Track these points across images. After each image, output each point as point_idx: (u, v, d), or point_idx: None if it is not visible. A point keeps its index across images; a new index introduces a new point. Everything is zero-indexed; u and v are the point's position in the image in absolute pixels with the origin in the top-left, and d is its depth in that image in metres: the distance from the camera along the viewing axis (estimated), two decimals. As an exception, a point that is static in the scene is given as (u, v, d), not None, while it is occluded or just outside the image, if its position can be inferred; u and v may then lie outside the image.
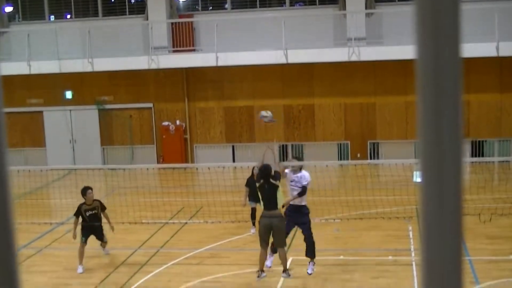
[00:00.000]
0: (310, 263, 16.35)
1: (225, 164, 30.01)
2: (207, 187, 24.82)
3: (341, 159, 32.71)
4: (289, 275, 15.68)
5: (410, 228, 20.37)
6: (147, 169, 29.46)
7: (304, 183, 16.16)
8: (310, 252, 16.31)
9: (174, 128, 33.75)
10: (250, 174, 20.25)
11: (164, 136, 33.98)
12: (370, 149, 32.87)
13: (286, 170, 16.62)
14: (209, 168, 24.76)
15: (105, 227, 18.55)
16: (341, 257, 18.21)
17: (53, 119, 34.79)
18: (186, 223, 22.29)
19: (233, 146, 34.14)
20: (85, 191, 18.22)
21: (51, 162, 33.82)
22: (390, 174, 24.44)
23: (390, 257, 17.94)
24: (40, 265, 18.66)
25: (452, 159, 1.44)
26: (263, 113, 17.18)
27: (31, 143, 34.87)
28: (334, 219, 21.58)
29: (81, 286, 16.90)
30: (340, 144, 33.14)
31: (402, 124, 32.25)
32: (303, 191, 16.07)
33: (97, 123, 34.65)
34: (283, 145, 33.52)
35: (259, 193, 15.50)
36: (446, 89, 1.41)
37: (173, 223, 22.36)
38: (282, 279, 16.29)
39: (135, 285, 16.71)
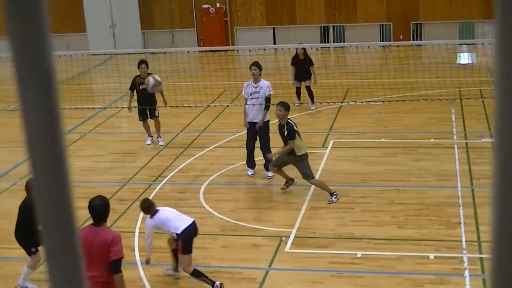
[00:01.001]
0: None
1: (266, 46, 29.79)
2: (248, 70, 24.74)
3: (383, 41, 32.27)
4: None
5: (453, 110, 20.22)
6: (188, 52, 29.40)
7: (268, 93, 15.78)
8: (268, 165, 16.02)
9: (214, 10, 33.43)
10: (295, 53, 21.55)
11: (204, 19, 33.71)
12: (413, 30, 32.33)
13: (244, 84, 16.29)
14: (250, 51, 24.56)
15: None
16: (383, 139, 18.21)
17: (92, 3, 34.61)
18: (227, 106, 22.34)
19: (273, 28, 33.82)
20: (138, 65, 18.54)
21: (92, 47, 33.82)
22: (433, 55, 24.16)
23: (432, 140, 17.89)
24: (84, 149, 18.93)
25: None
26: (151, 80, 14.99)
27: (71, 29, 34.81)
28: (375, 101, 21.48)
29: (125, 169, 17.15)
30: (382, 25, 32.62)
31: (446, 3, 31.51)
32: (268, 103, 15.82)
33: (136, 7, 34.42)
34: (324, 27, 33.13)
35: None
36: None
37: (215, 106, 22.43)
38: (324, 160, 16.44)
39: (179, 168, 16.92)
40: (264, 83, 15.92)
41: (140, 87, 18.30)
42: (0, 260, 12.84)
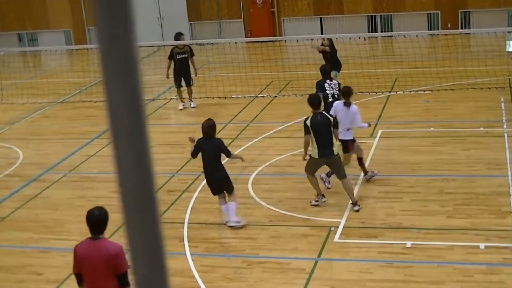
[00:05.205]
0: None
1: (314, 36, 29.67)
2: (295, 60, 24.73)
3: (431, 29, 31.97)
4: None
5: (502, 99, 19.99)
6: (235, 43, 29.43)
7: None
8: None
9: (261, 1, 33.43)
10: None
11: (251, 10, 33.74)
12: (461, 18, 31.98)
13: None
14: (297, 41, 24.51)
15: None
16: (432, 129, 18.07)
17: (140, -5, 34.86)
18: (275, 96, 22.36)
19: (320, 18, 33.71)
20: (178, 36, 21.34)
21: (140, 39, 33.85)
22: (482, 43, 23.88)
23: (481, 129, 17.70)
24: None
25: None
26: None
27: (120, 21, 35.00)
28: (424, 91, 21.33)
29: (174, 160, 17.22)
30: (430, 13, 32.32)
31: (495, -9, 31.14)
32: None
33: (184, -2, 34.59)
34: (372, 16, 32.93)
35: None
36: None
37: (263, 97, 22.45)
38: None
39: (227, 158, 16.93)
40: None
41: (177, 57, 21.03)
42: (52, 251, 13.00)
